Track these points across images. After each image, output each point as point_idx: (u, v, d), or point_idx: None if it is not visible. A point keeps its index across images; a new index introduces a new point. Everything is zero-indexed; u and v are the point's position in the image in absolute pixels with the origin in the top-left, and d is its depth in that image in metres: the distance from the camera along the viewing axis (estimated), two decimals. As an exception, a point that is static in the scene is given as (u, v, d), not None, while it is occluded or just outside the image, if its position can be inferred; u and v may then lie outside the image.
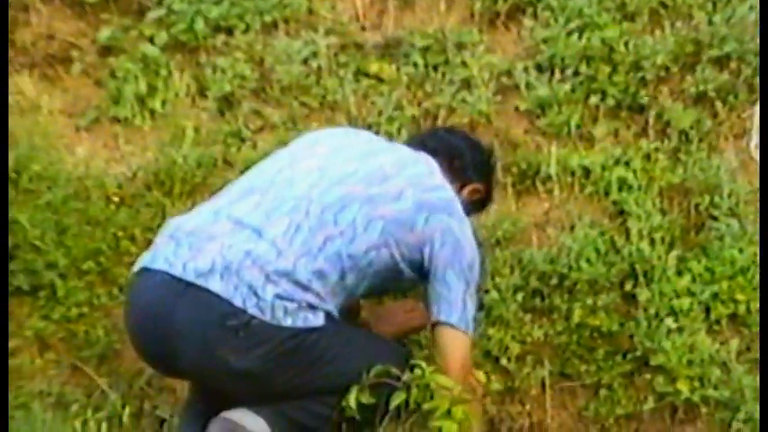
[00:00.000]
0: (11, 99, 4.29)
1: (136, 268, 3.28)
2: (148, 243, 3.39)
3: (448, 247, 3.33)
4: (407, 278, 3.38)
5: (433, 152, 3.52)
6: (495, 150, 3.86)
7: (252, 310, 3.09)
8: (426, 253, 3.32)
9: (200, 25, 4.41)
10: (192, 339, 3.13)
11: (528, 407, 3.83)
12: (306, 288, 3.14)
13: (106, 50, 4.49)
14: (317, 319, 3.16)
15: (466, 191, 3.58)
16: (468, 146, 3.67)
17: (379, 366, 3.16)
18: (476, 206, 3.66)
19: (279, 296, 3.11)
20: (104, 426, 3.61)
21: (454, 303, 3.33)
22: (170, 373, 3.40)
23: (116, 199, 4.11)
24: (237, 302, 3.09)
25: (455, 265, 3.34)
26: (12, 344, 3.80)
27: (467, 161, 3.61)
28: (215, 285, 3.11)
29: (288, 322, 3.12)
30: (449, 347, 3.33)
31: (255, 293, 3.10)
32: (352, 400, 3.17)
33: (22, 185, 4.04)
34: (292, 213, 3.20)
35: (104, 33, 4.48)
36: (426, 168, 3.43)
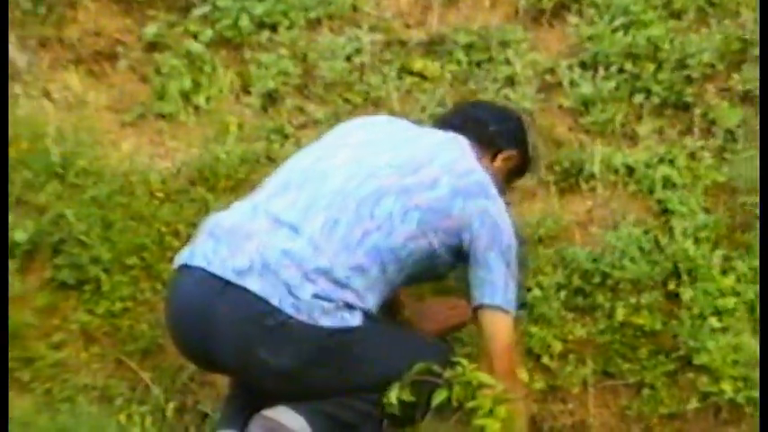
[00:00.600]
0: (58, 95, 4.33)
1: (176, 265, 3.26)
2: (190, 238, 3.36)
3: (486, 230, 3.28)
4: (446, 264, 3.33)
5: (461, 129, 3.47)
6: (523, 115, 3.78)
7: (289, 310, 3.06)
8: (465, 238, 3.27)
9: (244, 22, 4.41)
10: (229, 338, 3.11)
11: (570, 405, 3.77)
12: (344, 286, 3.11)
13: (152, 47, 4.52)
14: (355, 319, 3.13)
15: (499, 160, 3.53)
16: (494, 115, 3.62)
17: (419, 364, 3.11)
18: (514, 173, 3.62)
19: (316, 295, 3.07)
20: (148, 419, 3.61)
21: (497, 285, 3.28)
22: (209, 369, 3.38)
23: (160, 194, 4.09)
24: (275, 302, 3.06)
25: (494, 248, 3.28)
26: (57, 338, 3.82)
27: (495, 130, 3.55)
28: (253, 284, 3.08)
29: (325, 322, 3.08)
30: (495, 329, 3.28)
31: (293, 293, 3.06)
32: (393, 397, 3.12)
33: (69, 180, 4.05)
34: (328, 209, 3.16)
35: (150, 30, 4.50)
36: (458, 152, 3.37)
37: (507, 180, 3.53)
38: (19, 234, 3.88)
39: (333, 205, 3.18)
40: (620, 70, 4.29)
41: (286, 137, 4.22)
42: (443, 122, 3.56)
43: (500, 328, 3.30)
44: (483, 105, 3.79)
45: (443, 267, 3.38)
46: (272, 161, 4.15)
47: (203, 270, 3.15)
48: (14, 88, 4.31)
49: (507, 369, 3.24)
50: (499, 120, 3.59)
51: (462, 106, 3.83)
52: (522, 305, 3.60)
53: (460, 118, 3.56)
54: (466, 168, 3.34)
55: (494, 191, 3.35)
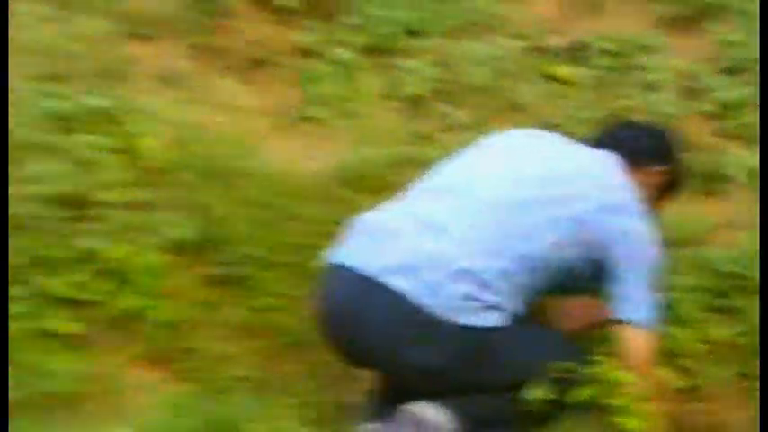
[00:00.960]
0: (216, 100, 4.51)
1: (325, 263, 3.38)
2: (340, 238, 3.47)
3: (628, 246, 3.32)
4: (587, 277, 3.38)
5: (612, 147, 3.50)
6: (673, 131, 3.78)
7: (434, 309, 3.14)
8: (607, 253, 3.32)
9: (392, 30, 4.55)
10: (375, 336, 3.21)
11: (709, 406, 3.80)
12: (487, 288, 3.18)
13: (304, 54, 4.68)
14: (497, 319, 3.20)
15: (651, 177, 3.55)
16: (644, 133, 3.65)
17: (559, 362, 3.18)
18: (666, 190, 3.63)
19: (461, 296, 3.15)
20: (299, 411, 3.70)
21: (635, 301, 3.33)
22: (356, 364, 3.47)
23: (311, 195, 4.21)
24: (420, 301, 3.15)
25: (635, 264, 3.32)
26: (215, 331, 3.95)
27: (645, 147, 3.57)
28: (399, 283, 3.17)
29: (469, 321, 3.16)
30: (630, 345, 3.33)
31: (438, 293, 3.15)
32: (534, 394, 3.19)
33: (225, 181, 4.18)
34: (475, 214, 3.24)
35: (303, 38, 4.68)
36: (607, 168, 3.42)
37: (659, 197, 3.56)
38: (182, 232, 4.02)
39: (480, 211, 3.26)
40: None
41: (431, 141, 4.33)
42: (596, 141, 3.60)
43: (638, 344, 3.35)
44: (632, 124, 3.83)
45: (584, 278, 3.42)
46: (418, 164, 4.21)
47: (352, 269, 3.27)
48: (179, 94, 4.50)
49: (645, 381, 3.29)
50: (649, 136, 3.64)
51: (612, 126, 3.84)
52: (660, 310, 3.60)
53: (610, 136, 3.61)
54: (613, 184, 3.39)
55: (640, 208, 3.39)
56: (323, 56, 4.60)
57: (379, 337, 3.21)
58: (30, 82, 4.32)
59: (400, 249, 3.22)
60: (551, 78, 4.48)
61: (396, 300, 3.17)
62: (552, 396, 3.20)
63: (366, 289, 3.21)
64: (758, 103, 4.18)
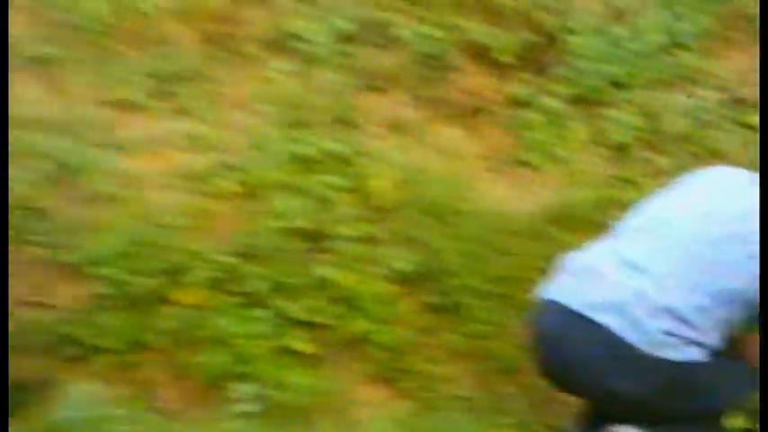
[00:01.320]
0: (437, 145, 4.81)
1: (537, 297, 3.53)
2: (547, 273, 3.60)
3: None
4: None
5: None
6: None
7: (637, 344, 3.24)
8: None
9: (598, 82, 4.77)
10: (582, 367, 3.35)
11: None
12: (688, 323, 3.26)
13: (517, 103, 4.94)
14: (697, 353, 3.28)
15: None
16: None
17: (753, 393, 3.30)
18: None
19: (663, 331, 3.24)
20: (513, 431, 3.96)
21: None
22: (564, 391, 3.59)
23: (523, 233, 4.47)
24: (624, 336, 3.25)
25: None
26: (433, 354, 4.22)
27: None
28: (605, 319, 3.29)
29: (671, 356, 3.25)
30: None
31: (640, 328, 3.24)
32: (731, 423, 3.33)
33: (444, 218, 4.48)
34: (673, 252, 3.33)
35: (516, 89, 4.94)
36: None
37: None
38: (404, 264, 4.31)
39: (678, 249, 3.35)
40: None
41: (634, 185, 4.49)
42: None
43: None
44: None
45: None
46: (621, 206, 4.28)
47: (561, 304, 3.41)
48: (404, 140, 4.80)
49: None
50: None
51: None
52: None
53: None
54: None
55: None
56: (534, 105, 4.84)
57: (585, 368, 3.35)
58: (277, 128, 4.70)
59: (604, 287, 3.34)
60: (747, 127, 4.60)
61: (602, 333, 3.29)
62: (750, 426, 3.38)
63: (574, 323, 3.35)
64: (758, 104, 4.29)
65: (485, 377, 4.17)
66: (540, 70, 5.00)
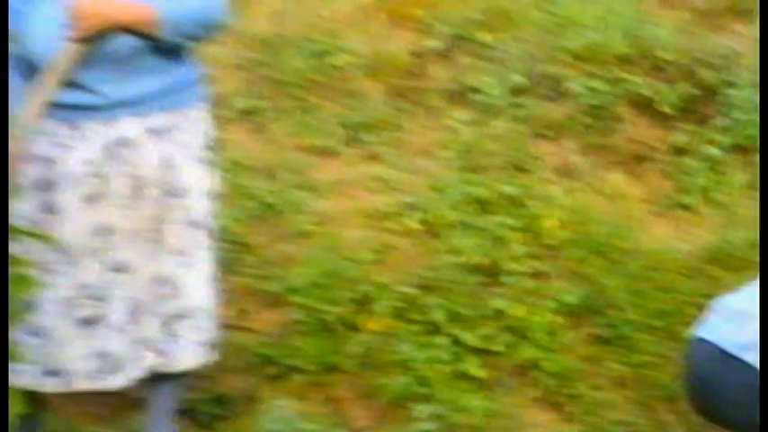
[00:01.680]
0: (603, 189, 5.01)
1: (691, 334, 3.63)
2: (705, 310, 3.67)
3: None
4: None
5: None
6: None
7: None
8: None
9: (756, 131, 4.90)
10: (731, 405, 3.46)
11: None
12: None
13: (678, 151, 5.14)
14: None
15: None
16: None
17: None
18: None
19: None
20: None
21: None
22: (712, 422, 3.67)
23: (683, 271, 4.63)
24: None
25: None
26: (596, 381, 4.34)
27: None
28: (751, 359, 3.38)
29: None
30: None
31: None
32: None
33: (610, 257, 4.67)
34: None
35: (677, 137, 5.15)
36: None
37: None
38: (570, 297, 4.52)
39: None
40: None
41: None
42: None
43: None
44: None
45: None
46: None
47: (712, 343, 3.51)
48: (573, 184, 5.03)
49: None
50: None
51: None
52: None
53: None
54: None
55: None
56: (695, 153, 5.03)
57: (734, 406, 3.46)
58: (456, 173, 4.99)
59: (753, 329, 3.40)
60: None
61: (747, 372, 3.38)
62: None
63: (724, 361, 3.45)
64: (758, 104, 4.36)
65: (646, 404, 4.29)
66: (701, 121, 5.19)
